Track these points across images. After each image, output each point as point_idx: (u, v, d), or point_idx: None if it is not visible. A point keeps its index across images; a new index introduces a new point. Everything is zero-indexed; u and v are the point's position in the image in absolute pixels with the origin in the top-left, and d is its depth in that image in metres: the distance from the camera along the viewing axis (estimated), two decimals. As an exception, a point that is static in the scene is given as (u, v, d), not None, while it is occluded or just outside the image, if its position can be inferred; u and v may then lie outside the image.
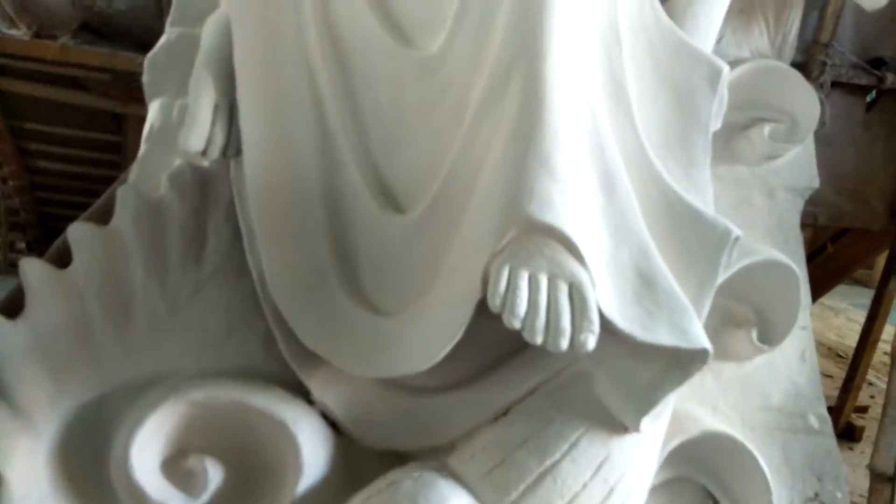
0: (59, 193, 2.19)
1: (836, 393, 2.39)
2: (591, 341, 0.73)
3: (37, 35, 1.76)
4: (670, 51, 0.96)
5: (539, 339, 0.72)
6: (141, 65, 1.81)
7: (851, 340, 2.88)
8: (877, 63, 1.89)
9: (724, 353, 1.11)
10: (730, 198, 1.22)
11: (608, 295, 0.78)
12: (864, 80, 1.89)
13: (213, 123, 0.86)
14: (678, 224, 0.88)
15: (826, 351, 3.08)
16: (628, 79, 0.89)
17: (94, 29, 1.84)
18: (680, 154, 0.96)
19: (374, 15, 0.85)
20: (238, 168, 0.91)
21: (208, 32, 0.89)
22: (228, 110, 0.88)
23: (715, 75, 0.96)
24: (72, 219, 2.10)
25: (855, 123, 1.95)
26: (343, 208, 0.91)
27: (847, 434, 2.29)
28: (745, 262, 1.05)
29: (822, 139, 1.91)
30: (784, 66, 1.23)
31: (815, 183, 1.27)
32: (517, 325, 0.72)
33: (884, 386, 1.77)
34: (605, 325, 0.76)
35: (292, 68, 0.87)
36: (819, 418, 1.13)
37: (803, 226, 1.97)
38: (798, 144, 1.20)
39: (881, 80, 1.88)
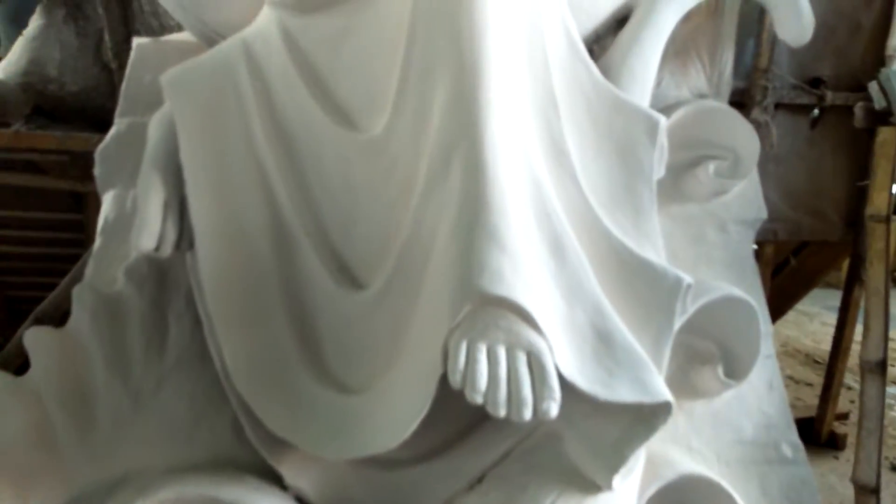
0: (22, 276, 2.15)
1: (816, 401, 2.42)
2: (553, 409, 0.74)
3: (-11, 123, 1.76)
4: (608, 108, 0.99)
5: (502, 412, 0.73)
6: (97, 144, 1.82)
7: (827, 345, 2.92)
8: (815, 82, 1.97)
9: (693, 391, 1.13)
10: (685, 235, 1.25)
11: (567, 357, 0.79)
12: (805, 99, 1.96)
13: (165, 220, 0.86)
14: (630, 277, 0.90)
15: (804, 358, 3.12)
16: (568, 140, 0.92)
17: (48, 112, 1.84)
18: (627, 206, 0.98)
19: (317, 101, 0.87)
20: (194, 257, 0.92)
21: (154, 130, 0.91)
22: (179, 204, 0.88)
23: (653, 127, 1.00)
24: (37, 300, 2.07)
25: (802, 141, 2.01)
26: (302, 290, 0.92)
27: (831, 443, 2.31)
28: (703, 300, 1.07)
29: (773, 159, 1.98)
30: (722, 106, 1.28)
31: (763, 214, 1.30)
32: (479, 399, 0.73)
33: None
34: (568, 386, 0.77)
35: (239, 159, 0.88)
36: (792, 446, 1.15)
37: (765, 242, 2.02)
38: (743, 179, 1.24)
39: (821, 98, 1.96)
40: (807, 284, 2.45)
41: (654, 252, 0.98)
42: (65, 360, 0.93)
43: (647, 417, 0.81)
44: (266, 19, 0.88)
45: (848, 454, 2.27)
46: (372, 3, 0.83)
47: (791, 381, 2.87)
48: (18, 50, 1.81)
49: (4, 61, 1.85)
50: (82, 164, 1.92)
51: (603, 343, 0.82)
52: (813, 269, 2.34)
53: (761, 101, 1.92)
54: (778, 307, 2.53)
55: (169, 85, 0.88)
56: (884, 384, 1.59)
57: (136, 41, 1.20)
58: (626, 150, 0.99)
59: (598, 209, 0.92)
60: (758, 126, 1.94)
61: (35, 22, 1.82)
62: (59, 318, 1.82)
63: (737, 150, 1.24)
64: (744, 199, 1.28)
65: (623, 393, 0.79)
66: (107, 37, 1.77)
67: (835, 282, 3.94)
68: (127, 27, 1.74)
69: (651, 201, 0.99)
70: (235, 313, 0.90)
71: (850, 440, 2.31)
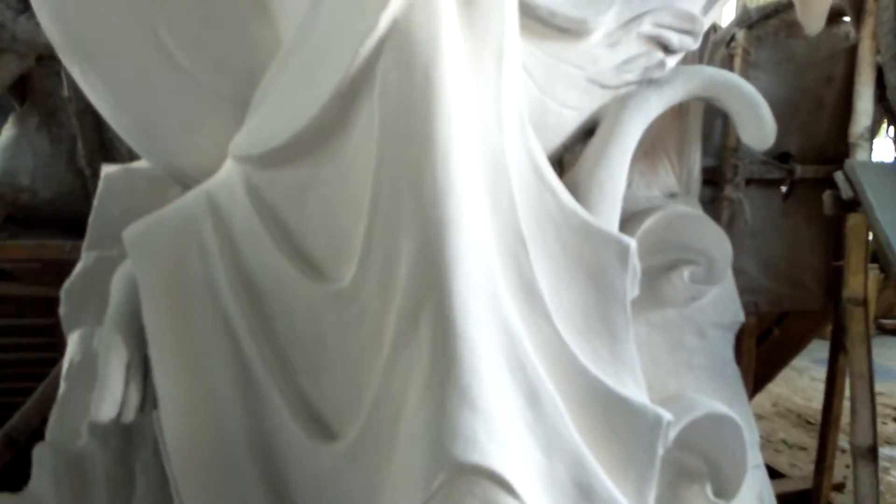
0: (-6, 382, 2.09)
1: (812, 466, 2.38)
2: (535, 583, 0.71)
3: (-41, 236, 1.74)
4: (577, 234, 0.99)
5: (482, 590, 0.70)
6: (70, 251, 1.79)
7: (818, 402, 2.90)
8: (784, 157, 2.01)
9: (683, 512, 1.10)
10: (664, 342, 1.23)
11: (548, 518, 0.77)
12: (776, 174, 2.00)
13: (127, 384, 0.84)
14: (609, 417, 0.88)
15: (796, 419, 3.09)
16: (539, 277, 0.91)
17: (20, 220, 1.83)
18: (603, 332, 0.97)
19: (283, 253, 0.86)
20: (158, 416, 0.89)
21: (115, 288, 0.89)
22: (142, 364, 0.86)
23: (623, 252, 1.00)
24: (8, 406, 2.01)
25: (776, 214, 2.04)
26: (272, 445, 0.89)
27: (829, 516, 2.26)
28: (687, 419, 1.06)
29: (750, 233, 2.00)
30: (694, 211, 1.29)
31: (741, 317, 1.30)
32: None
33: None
34: (551, 548, 0.75)
35: (204, 315, 0.86)
36: (788, 565, 1.11)
37: (747, 314, 2.02)
38: (717, 284, 1.24)
39: (791, 172, 2.00)
40: (791, 351, 2.44)
41: (633, 380, 0.97)
42: (24, 528, 0.89)
43: (634, 574, 0.78)
44: (230, 171, 0.88)
45: (848, 527, 2.22)
46: (336, 157, 0.83)
47: (785, 445, 2.84)
48: (-10, 160, 1.80)
49: (-25, 172, 1.84)
50: (55, 270, 1.90)
51: (585, 498, 0.80)
52: (796, 336, 2.34)
53: (732, 178, 1.96)
54: (765, 374, 2.52)
55: (131, 243, 0.87)
56: (876, 469, 1.57)
57: (105, 171, 1.19)
58: (598, 276, 0.98)
59: (573, 345, 0.91)
60: (731, 203, 1.98)
61: (7, 131, 1.83)
62: (29, 434, 1.77)
63: (710, 254, 1.24)
64: (720, 303, 1.27)
65: (608, 553, 0.77)
66: (80, 145, 1.77)
67: (821, 332, 3.93)
68: (100, 135, 1.74)
69: (626, 327, 0.98)
70: (202, 473, 0.86)
71: (849, 511, 2.27)
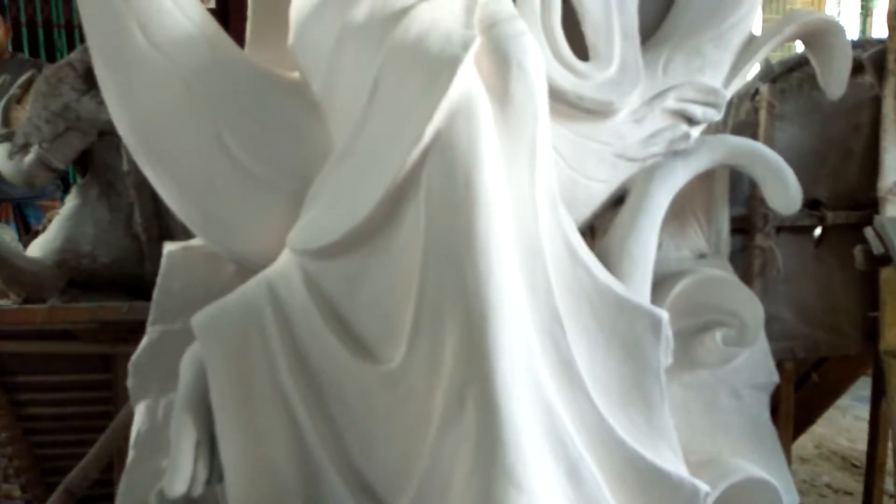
0: (51, 435, 2.20)
1: (859, 513, 2.33)
2: None
3: (26, 300, 1.86)
4: (611, 309, 1.04)
5: None
6: (127, 312, 1.90)
7: (863, 443, 2.83)
8: (814, 204, 2.02)
9: (724, 576, 1.11)
10: (699, 404, 1.26)
11: (592, 591, 0.80)
12: (807, 221, 2.01)
13: (196, 461, 0.91)
14: (647, 489, 0.92)
15: (840, 461, 3.01)
16: (575, 353, 0.96)
17: (81, 283, 1.95)
18: (639, 402, 1.02)
19: (337, 337, 0.93)
20: (224, 489, 0.95)
21: (185, 370, 0.97)
22: (210, 441, 0.93)
23: (656, 324, 1.04)
24: (66, 457, 2.11)
25: (808, 259, 2.04)
26: (328, 516, 0.94)
27: (878, 569, 2.20)
28: (725, 484, 1.08)
29: (783, 279, 2.01)
30: (724, 275, 1.32)
31: (775, 378, 1.32)
32: None
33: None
34: None
35: (266, 397, 0.94)
36: None
37: (784, 360, 2.00)
38: (750, 346, 1.26)
39: (822, 218, 2.01)
40: (830, 396, 2.41)
41: (669, 449, 1.00)
42: None
43: None
44: (287, 261, 0.96)
45: (899, 580, 2.15)
46: (385, 251, 0.91)
47: (829, 489, 2.77)
48: (55, 229, 1.93)
49: (41, 239, 1.97)
50: (112, 330, 2.02)
51: (626, 571, 0.83)
52: (835, 381, 2.31)
53: (763, 226, 1.97)
54: (805, 419, 2.48)
55: (200, 329, 0.95)
56: (924, 523, 1.54)
57: (166, 249, 1.28)
58: (632, 347, 1.03)
59: (610, 418, 0.95)
60: (762, 251, 2.00)
61: (70, 202, 1.96)
62: (86, 487, 1.86)
63: (741, 316, 1.27)
64: (753, 363, 1.30)
65: None
66: (137, 213, 1.90)
67: (863, 371, 3.84)
68: (156, 203, 1.86)
69: (661, 396, 1.03)
70: (264, 543, 0.92)
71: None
